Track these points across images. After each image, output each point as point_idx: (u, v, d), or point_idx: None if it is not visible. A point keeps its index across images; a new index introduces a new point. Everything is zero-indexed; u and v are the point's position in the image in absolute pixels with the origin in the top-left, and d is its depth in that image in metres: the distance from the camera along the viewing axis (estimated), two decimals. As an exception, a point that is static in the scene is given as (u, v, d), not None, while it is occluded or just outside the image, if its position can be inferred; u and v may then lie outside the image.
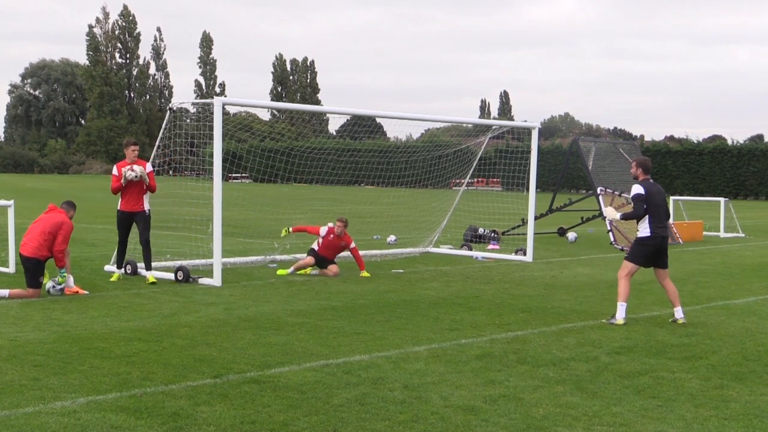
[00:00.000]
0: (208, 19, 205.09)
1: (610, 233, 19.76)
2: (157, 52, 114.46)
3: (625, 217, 10.58)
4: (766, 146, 59.87)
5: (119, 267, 13.27)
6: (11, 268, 13.51)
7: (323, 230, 14.43)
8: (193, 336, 8.86)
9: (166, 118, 14.28)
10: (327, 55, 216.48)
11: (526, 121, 44.75)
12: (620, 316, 10.08)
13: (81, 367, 7.44)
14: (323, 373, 7.36)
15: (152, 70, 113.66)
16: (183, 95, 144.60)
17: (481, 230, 20.78)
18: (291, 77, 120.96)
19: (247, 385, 6.93)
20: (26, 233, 11.52)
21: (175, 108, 14.57)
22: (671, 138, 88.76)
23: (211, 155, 13.32)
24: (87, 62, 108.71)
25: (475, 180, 34.72)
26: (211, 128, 13.01)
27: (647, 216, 10.14)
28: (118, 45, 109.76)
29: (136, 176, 12.79)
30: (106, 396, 6.54)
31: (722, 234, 24.91)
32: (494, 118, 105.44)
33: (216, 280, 12.70)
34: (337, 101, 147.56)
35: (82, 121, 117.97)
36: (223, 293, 11.96)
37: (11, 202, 13.96)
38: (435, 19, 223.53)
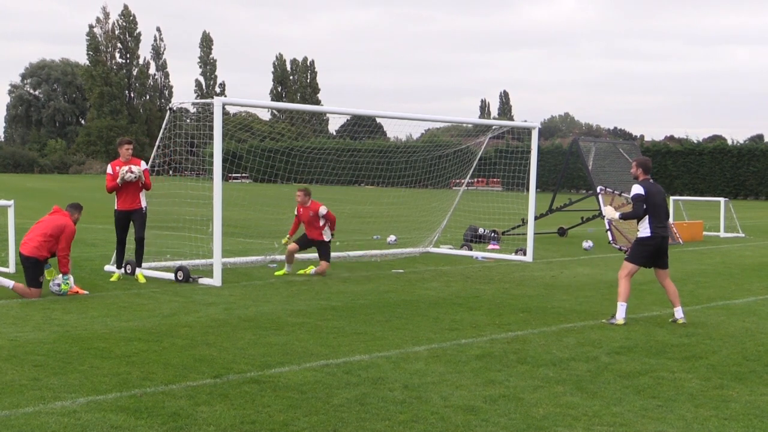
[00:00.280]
0: (208, 19, 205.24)
1: (609, 232, 19.76)
2: (157, 52, 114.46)
3: (625, 216, 10.58)
4: (766, 146, 59.85)
5: (119, 267, 13.26)
6: (11, 268, 13.52)
7: (296, 211, 14.44)
8: (193, 336, 8.86)
9: (166, 118, 14.28)
10: (327, 55, 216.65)
11: (526, 121, 44.78)
12: (620, 316, 10.08)
13: (81, 367, 7.44)
14: (323, 373, 7.36)
15: (152, 70, 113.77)
16: (183, 95, 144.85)
17: (481, 230, 20.78)
18: (291, 77, 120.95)
19: (247, 385, 6.94)
20: (28, 232, 11.53)
21: (175, 108, 14.56)
22: (671, 138, 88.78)
23: (211, 155, 13.32)
24: (87, 62, 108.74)
25: (475, 180, 34.74)
26: (211, 128, 13.01)
27: (647, 216, 10.13)
28: (118, 45, 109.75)
29: (134, 178, 12.75)
30: (106, 396, 6.54)
31: (722, 234, 24.91)
32: (494, 118, 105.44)
33: (216, 280, 12.70)
34: (337, 101, 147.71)
35: (82, 121, 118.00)
36: (223, 293, 11.96)
37: (11, 202, 13.98)
38: (435, 19, 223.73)
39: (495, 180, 38.07)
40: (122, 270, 13.23)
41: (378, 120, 32.70)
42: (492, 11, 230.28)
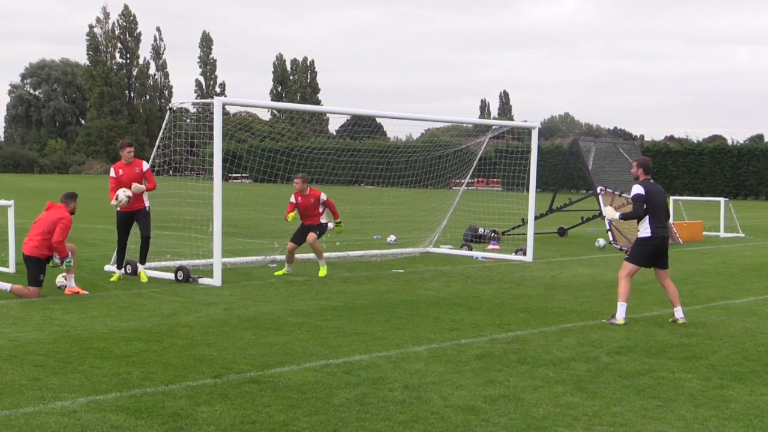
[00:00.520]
0: (208, 19, 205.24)
1: (609, 232, 19.77)
2: (157, 52, 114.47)
3: (625, 217, 10.57)
4: (766, 146, 59.88)
5: (119, 267, 13.26)
6: (11, 268, 13.51)
7: (292, 199, 14.13)
8: (193, 336, 8.86)
9: (166, 118, 14.28)
10: (327, 55, 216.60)
11: (526, 121, 44.77)
12: (620, 316, 10.08)
13: (81, 367, 7.44)
14: (323, 373, 7.36)
15: (152, 70, 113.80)
16: (183, 95, 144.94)
17: (481, 230, 20.78)
18: (291, 77, 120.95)
19: (247, 385, 6.94)
20: (28, 233, 11.56)
21: (175, 108, 14.56)
22: (671, 138, 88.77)
23: (211, 155, 13.32)
24: (87, 62, 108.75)
25: (475, 180, 34.74)
26: (211, 128, 13.01)
27: (647, 216, 10.13)
28: (119, 45, 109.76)
29: (129, 200, 12.74)
30: (106, 396, 6.54)
31: (722, 234, 24.91)
32: (494, 118, 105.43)
33: (216, 280, 12.70)
34: (337, 101, 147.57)
35: (82, 121, 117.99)
36: (223, 293, 11.96)
37: (11, 202, 13.97)
38: (435, 19, 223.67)
39: (495, 180, 38.07)
40: (122, 270, 13.23)
41: (378, 120, 32.69)
42: (492, 11, 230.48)
